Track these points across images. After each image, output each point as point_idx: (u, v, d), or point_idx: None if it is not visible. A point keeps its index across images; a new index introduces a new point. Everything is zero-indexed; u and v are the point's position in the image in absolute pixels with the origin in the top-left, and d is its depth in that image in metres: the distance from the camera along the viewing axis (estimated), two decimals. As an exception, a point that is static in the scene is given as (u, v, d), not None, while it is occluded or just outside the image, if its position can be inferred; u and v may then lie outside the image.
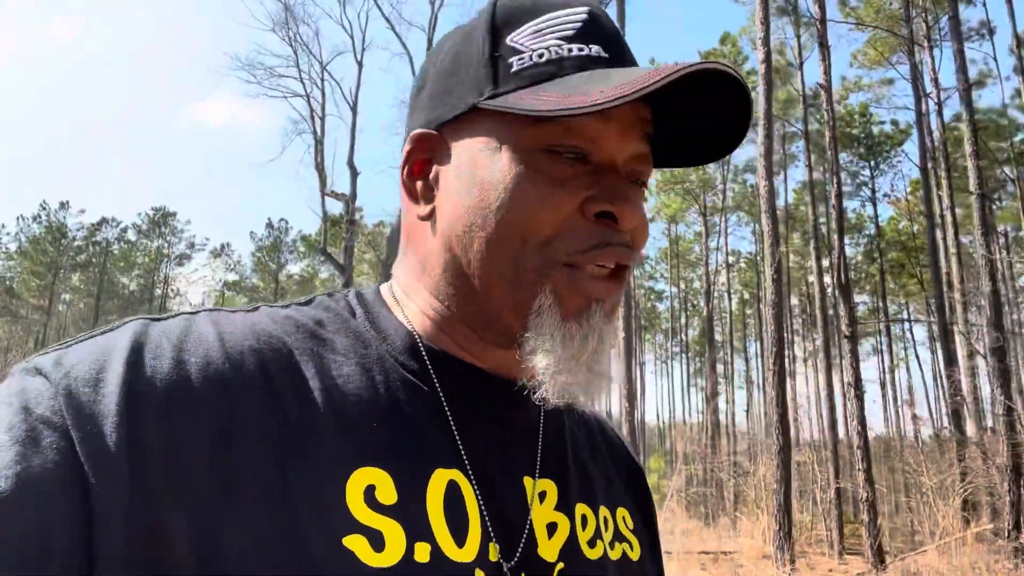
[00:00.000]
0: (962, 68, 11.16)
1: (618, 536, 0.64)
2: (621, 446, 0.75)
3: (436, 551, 0.48)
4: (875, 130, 28.19)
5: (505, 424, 0.58)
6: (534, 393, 0.55)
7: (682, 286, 41.73)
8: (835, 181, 11.80)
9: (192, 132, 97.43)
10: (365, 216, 42.78)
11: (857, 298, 35.60)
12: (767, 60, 9.63)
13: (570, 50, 0.53)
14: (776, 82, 22.56)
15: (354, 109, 25.33)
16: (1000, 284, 10.62)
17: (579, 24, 0.54)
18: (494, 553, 0.52)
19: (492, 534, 0.52)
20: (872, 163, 29.02)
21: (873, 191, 29.61)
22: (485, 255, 0.53)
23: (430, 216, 0.57)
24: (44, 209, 44.71)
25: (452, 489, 0.51)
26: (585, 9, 0.55)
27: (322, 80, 26.37)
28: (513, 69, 0.53)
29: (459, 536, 0.50)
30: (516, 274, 0.52)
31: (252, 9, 66.10)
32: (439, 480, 0.51)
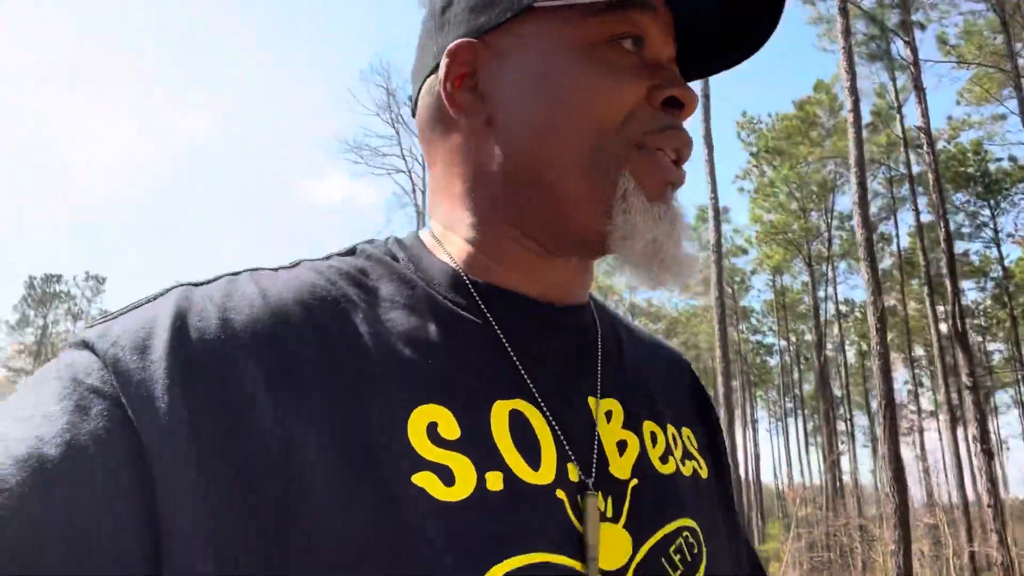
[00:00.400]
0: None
1: (687, 454, 0.64)
2: (683, 365, 0.75)
3: (510, 477, 0.47)
4: (992, 167, 26.66)
5: (563, 347, 0.58)
6: (586, 315, 0.60)
7: (792, 339, 40.09)
8: (943, 224, 11.36)
9: (307, 210, 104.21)
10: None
11: (991, 346, 33.10)
12: (855, 108, 9.55)
13: None
14: (879, 125, 22.01)
15: (453, 181, 26.65)
16: None
17: None
18: (574, 472, 0.51)
19: (570, 454, 0.52)
20: (992, 202, 27.36)
21: (995, 231, 27.80)
22: (561, 151, 0.52)
23: (484, 128, 0.55)
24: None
25: (516, 417, 0.51)
26: None
27: (423, 156, 27.97)
28: None
29: (533, 461, 0.49)
30: (595, 163, 0.52)
31: (358, 96, 70.91)
32: (501, 411, 0.50)
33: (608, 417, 0.57)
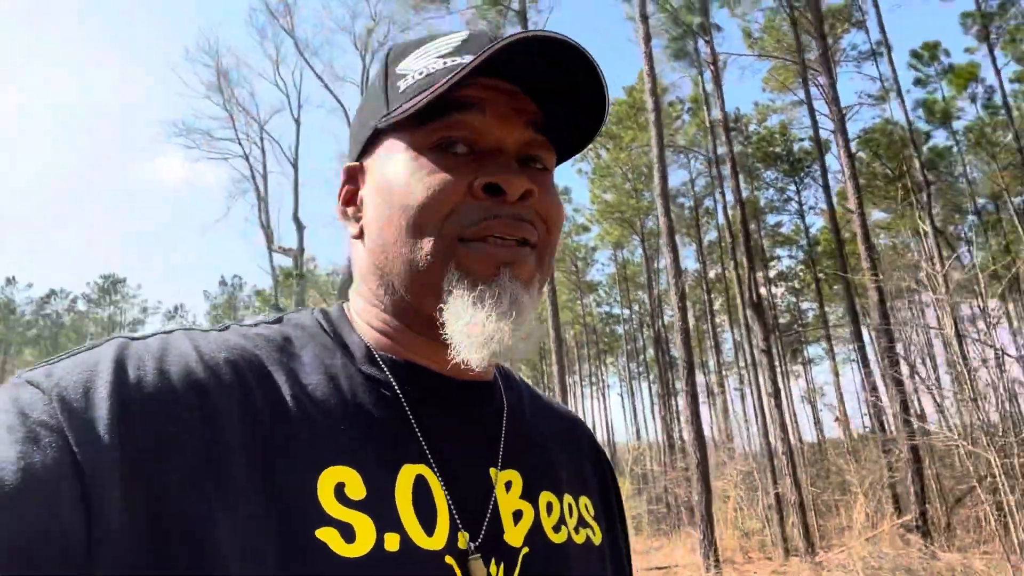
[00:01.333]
0: (835, 99, 12.30)
1: (582, 522, 0.67)
2: (585, 434, 0.78)
3: (406, 540, 0.50)
4: (796, 148, 29.73)
5: (467, 420, 0.61)
6: (493, 389, 0.64)
7: (636, 308, 42.75)
8: (738, 203, 12.72)
9: (142, 194, 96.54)
10: (318, 267, 43.18)
11: (805, 304, 37.03)
12: (656, 108, 10.55)
13: (444, 63, 0.59)
14: (696, 110, 23.88)
15: (295, 165, 25.95)
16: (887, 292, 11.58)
17: (457, 42, 0.61)
18: (463, 541, 0.54)
19: (459, 523, 0.55)
20: (796, 178, 30.55)
21: (800, 204, 31.13)
22: (396, 249, 0.58)
23: (360, 235, 0.63)
24: (-9, 287, 44.04)
25: (420, 483, 0.54)
26: (466, 31, 0.63)
27: (261, 139, 26.83)
28: (400, 90, 0.60)
29: (428, 526, 0.52)
30: (422, 259, 0.57)
31: (186, 79, 66.25)
32: (407, 475, 0.54)
33: (507, 487, 0.61)
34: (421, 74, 0.59)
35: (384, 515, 0.51)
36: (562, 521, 0.64)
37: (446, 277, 0.56)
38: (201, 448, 0.47)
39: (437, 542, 0.52)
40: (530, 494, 0.62)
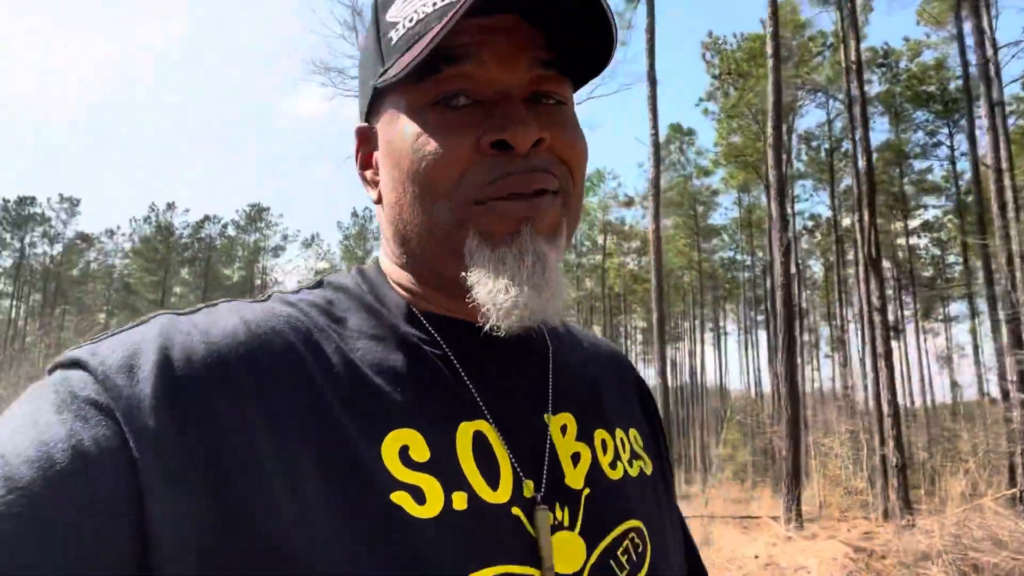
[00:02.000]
0: (981, 39, 11.23)
1: (634, 455, 0.68)
2: (626, 365, 0.78)
3: (473, 497, 0.51)
4: (952, 87, 27.16)
5: (515, 369, 0.61)
6: (534, 334, 0.64)
7: (760, 254, 41.29)
8: (864, 151, 12.06)
9: (286, 127, 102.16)
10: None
11: (952, 258, 34.38)
12: (775, 54, 10.09)
13: (434, 3, 0.54)
14: (838, 47, 22.26)
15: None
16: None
17: None
18: (528, 489, 0.55)
19: (521, 473, 0.55)
20: (951, 121, 28.02)
21: (952, 149, 28.60)
22: (412, 217, 0.56)
23: (379, 199, 0.62)
24: (153, 211, 48.81)
25: (479, 438, 0.54)
26: None
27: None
28: (393, 42, 0.56)
29: (492, 480, 0.53)
30: (439, 226, 0.55)
31: (323, 16, 68.60)
32: (465, 432, 0.54)
33: (563, 431, 0.61)
34: (411, 21, 0.56)
35: (449, 474, 0.51)
36: (617, 456, 0.65)
37: (466, 242, 0.55)
38: (256, 425, 0.47)
39: (503, 495, 0.53)
40: (585, 434, 0.63)
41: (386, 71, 0.56)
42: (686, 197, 36.63)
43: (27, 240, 48.73)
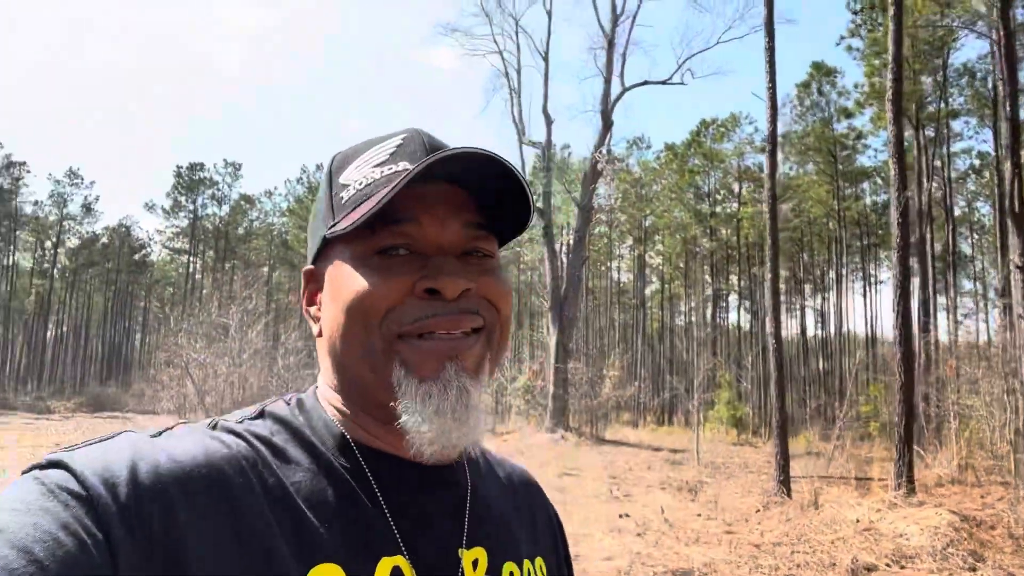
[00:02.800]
0: None
1: None
2: (536, 491, 0.84)
3: None
4: None
5: (435, 504, 0.65)
6: (457, 470, 0.69)
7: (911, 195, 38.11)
8: (1011, 92, 11.09)
9: (424, 84, 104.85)
10: (572, 154, 44.49)
11: None
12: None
13: (382, 172, 0.63)
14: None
15: (546, 58, 26.78)
16: None
17: (392, 148, 0.65)
18: None
19: None
20: None
21: None
22: (346, 347, 0.62)
23: (320, 333, 0.66)
24: (304, 172, 52.42)
25: (396, 573, 0.58)
26: (400, 135, 0.67)
27: (516, 34, 27.82)
28: (344, 201, 0.64)
29: None
30: (369, 356, 0.61)
31: None
32: (385, 567, 0.57)
33: (474, 565, 0.65)
34: (360, 184, 0.63)
35: None
36: None
37: (393, 373, 0.60)
38: (206, 539, 0.51)
39: None
40: (495, 568, 0.66)
41: (336, 224, 0.63)
42: (824, 142, 34.37)
43: (199, 202, 54.00)
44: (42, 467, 0.52)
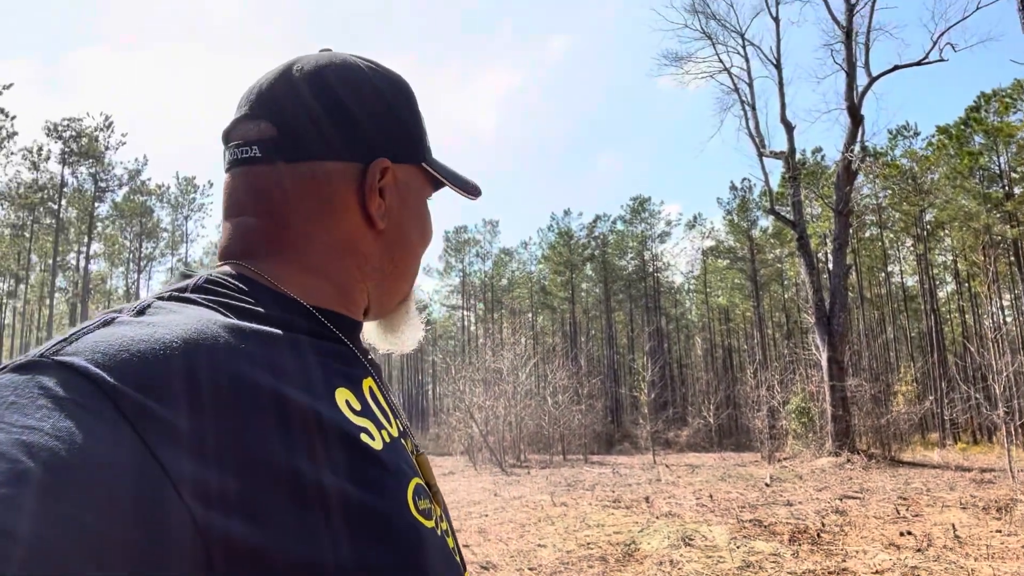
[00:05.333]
0: None
1: None
2: None
3: (389, 433, 0.64)
4: None
5: (368, 353, 0.75)
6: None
7: None
8: None
9: (651, 117, 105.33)
10: (825, 157, 41.54)
11: None
12: None
13: (427, 140, 0.77)
14: None
15: (778, 66, 25.71)
16: None
17: (469, 186, 0.82)
18: (397, 425, 0.69)
19: (398, 416, 0.71)
20: None
21: None
22: (413, 264, 0.77)
23: (377, 232, 0.71)
24: (553, 219, 55.35)
25: (371, 391, 0.67)
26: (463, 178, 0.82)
27: (744, 47, 27.19)
28: (428, 145, 0.76)
29: (388, 421, 0.66)
30: (414, 277, 0.78)
31: (664, 14, 69.63)
32: (366, 385, 0.67)
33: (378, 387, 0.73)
34: (423, 141, 0.76)
35: (374, 416, 0.63)
36: None
37: (411, 293, 0.80)
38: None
39: (394, 431, 0.66)
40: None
41: (430, 162, 0.76)
42: None
43: (465, 260, 59.51)
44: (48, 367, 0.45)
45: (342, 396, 0.61)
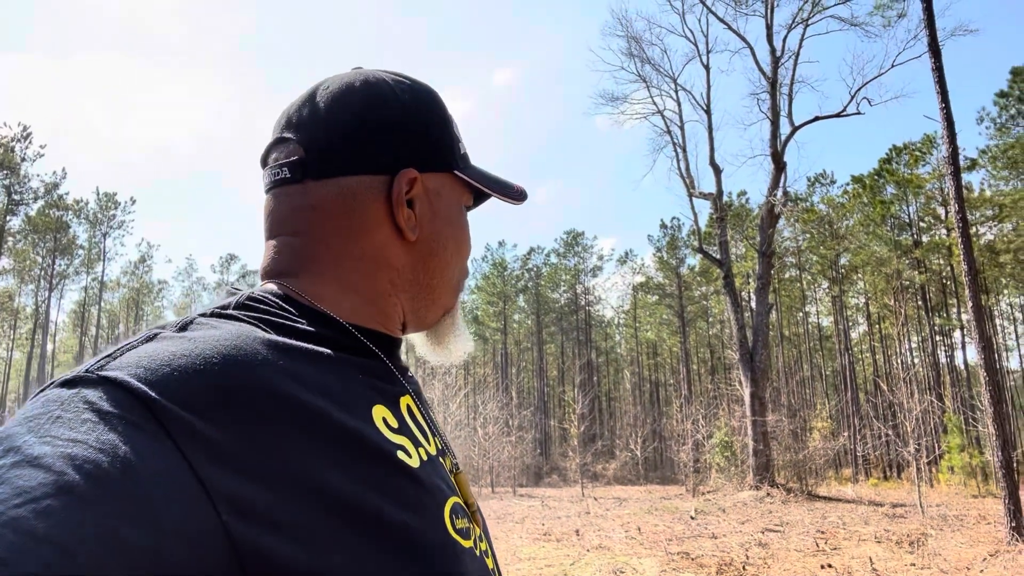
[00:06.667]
0: None
1: None
2: None
3: (427, 451, 0.64)
4: None
5: (407, 370, 0.75)
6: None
7: None
8: None
9: (585, 152, 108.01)
10: (749, 200, 43.32)
11: None
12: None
13: (463, 147, 0.76)
14: None
15: (708, 111, 26.84)
16: None
17: (514, 191, 0.81)
18: (436, 444, 0.69)
19: (437, 433, 0.71)
20: None
21: None
22: (451, 275, 0.75)
23: (408, 243, 0.70)
24: (488, 250, 55.56)
25: (409, 409, 0.67)
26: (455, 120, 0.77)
27: (676, 92, 28.24)
28: (460, 152, 0.75)
29: (426, 439, 0.66)
30: (459, 286, 0.77)
31: (602, 55, 71.90)
32: (403, 404, 0.66)
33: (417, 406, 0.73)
34: (460, 148, 0.75)
35: (411, 434, 0.63)
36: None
37: (455, 305, 0.78)
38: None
39: (433, 448, 0.66)
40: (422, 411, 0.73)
41: (463, 168, 0.75)
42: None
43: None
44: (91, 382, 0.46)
45: (379, 413, 0.61)
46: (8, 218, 40.76)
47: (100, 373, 0.47)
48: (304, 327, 0.62)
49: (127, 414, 0.44)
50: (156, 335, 0.53)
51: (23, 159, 40.80)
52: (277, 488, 0.47)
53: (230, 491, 0.45)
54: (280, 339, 0.57)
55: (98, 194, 48.43)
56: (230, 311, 0.61)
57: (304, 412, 0.52)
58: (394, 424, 0.62)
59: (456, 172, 0.73)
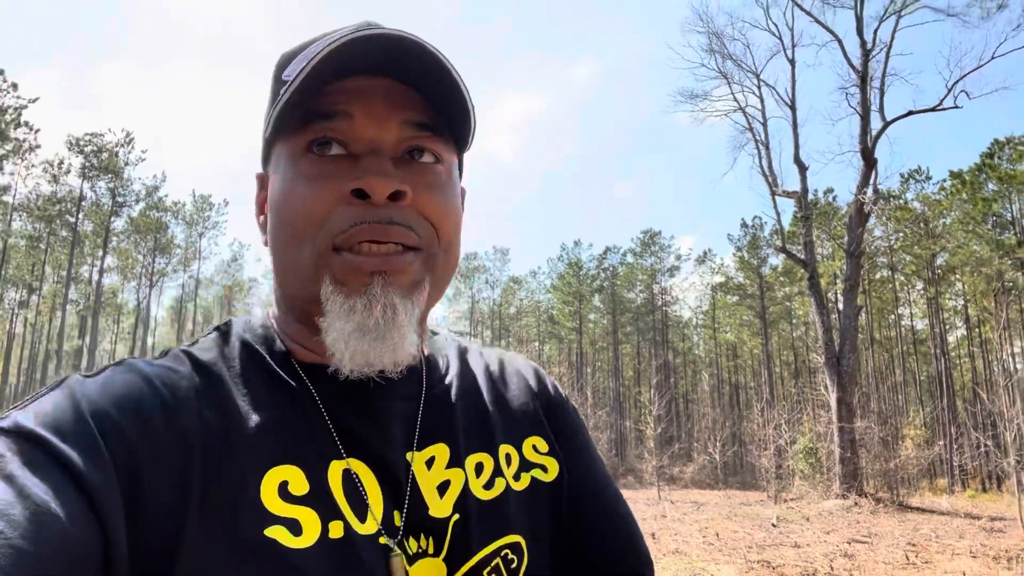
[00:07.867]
0: None
1: (525, 466, 0.70)
2: (530, 375, 0.80)
3: (347, 527, 0.55)
4: None
5: (382, 411, 0.63)
6: (409, 379, 0.66)
7: None
8: None
9: (670, 151, 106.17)
10: (837, 198, 41.68)
11: None
12: None
13: (311, 63, 0.56)
14: None
15: (792, 107, 25.98)
16: None
17: (332, 43, 0.56)
18: (398, 519, 0.59)
19: (393, 505, 0.60)
20: None
21: None
22: (285, 262, 0.61)
23: (267, 243, 0.64)
24: (564, 249, 55.49)
25: (347, 475, 0.58)
26: (348, 29, 0.59)
27: (759, 88, 27.52)
28: (283, 98, 0.58)
29: (361, 514, 0.57)
30: (303, 270, 0.59)
31: (681, 52, 70.47)
32: (336, 469, 0.58)
33: (430, 464, 0.64)
34: (289, 77, 0.59)
35: (327, 506, 0.55)
36: (497, 474, 0.67)
37: (323, 288, 0.58)
38: (156, 468, 0.51)
39: (370, 527, 0.57)
40: (457, 461, 0.65)
41: (268, 122, 0.62)
42: None
43: (474, 287, 59.60)
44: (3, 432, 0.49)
45: (277, 478, 0.56)
46: (113, 219, 43.55)
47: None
48: (241, 367, 0.63)
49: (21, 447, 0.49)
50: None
51: (126, 163, 43.44)
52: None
53: (93, 493, 0.48)
54: (172, 374, 0.60)
55: (194, 196, 51.00)
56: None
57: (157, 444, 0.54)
58: (299, 491, 0.56)
59: (266, 136, 0.64)
